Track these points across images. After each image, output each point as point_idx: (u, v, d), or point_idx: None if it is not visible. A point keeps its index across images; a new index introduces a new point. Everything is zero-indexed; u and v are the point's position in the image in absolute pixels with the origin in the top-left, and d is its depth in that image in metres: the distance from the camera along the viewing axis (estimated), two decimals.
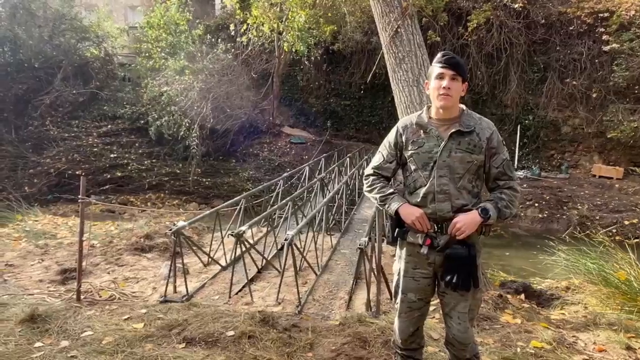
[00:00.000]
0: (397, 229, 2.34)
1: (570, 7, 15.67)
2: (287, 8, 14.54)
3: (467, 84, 2.32)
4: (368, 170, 2.49)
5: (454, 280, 2.17)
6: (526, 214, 12.99)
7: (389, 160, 2.42)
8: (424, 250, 2.26)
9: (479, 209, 2.19)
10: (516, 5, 15.61)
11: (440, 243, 2.23)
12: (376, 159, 2.47)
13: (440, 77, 2.21)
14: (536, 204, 13.20)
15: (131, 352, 3.10)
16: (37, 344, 3.23)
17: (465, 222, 2.17)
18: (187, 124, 14.75)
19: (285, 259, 4.60)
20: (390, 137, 2.42)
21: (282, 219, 7.55)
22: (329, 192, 8.54)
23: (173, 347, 3.22)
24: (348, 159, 12.58)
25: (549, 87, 16.06)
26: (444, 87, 2.19)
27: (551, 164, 16.20)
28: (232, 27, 16.30)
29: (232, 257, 5.63)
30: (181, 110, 14.79)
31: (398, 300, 2.40)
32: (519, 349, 3.33)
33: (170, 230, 4.75)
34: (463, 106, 2.32)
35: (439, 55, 2.27)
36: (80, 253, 4.36)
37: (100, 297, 4.53)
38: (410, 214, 2.25)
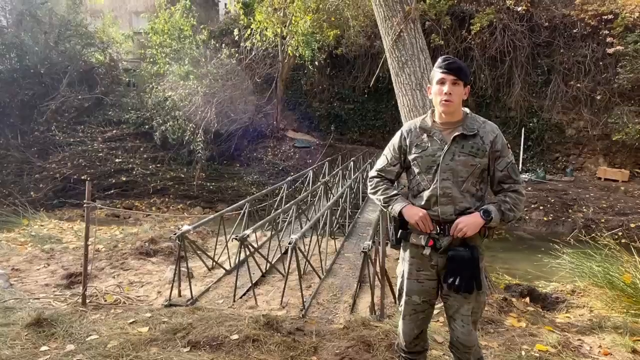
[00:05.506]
0: (400, 231, 2.35)
1: (574, 9, 15.67)
2: (291, 13, 14.59)
3: (470, 87, 2.32)
4: (372, 172, 2.51)
5: (456, 283, 2.18)
6: (531, 217, 12.94)
7: (392, 163, 2.43)
8: (427, 251, 2.26)
9: (481, 211, 2.20)
10: (519, 9, 15.63)
11: (442, 244, 2.24)
12: (380, 162, 2.48)
13: (442, 82, 2.22)
14: (541, 207, 13.15)
15: (136, 356, 3.11)
16: (43, 348, 3.25)
17: (467, 223, 2.18)
18: (191, 129, 14.83)
19: (290, 263, 4.60)
20: (395, 140, 2.44)
21: (286, 223, 7.55)
22: (333, 196, 8.54)
23: (178, 350, 3.24)
24: (352, 162, 12.57)
25: (553, 89, 16.04)
26: (445, 93, 2.20)
27: (556, 167, 16.16)
28: (236, 32, 16.38)
29: (237, 261, 5.66)
30: (185, 115, 14.87)
31: (402, 302, 2.41)
32: (523, 353, 3.32)
33: (175, 234, 4.77)
34: (467, 110, 2.33)
35: (439, 60, 2.28)
36: (85, 257, 4.38)
37: (106, 301, 4.55)
38: (414, 214, 2.26)
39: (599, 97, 15.21)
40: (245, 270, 5.01)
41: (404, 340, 2.43)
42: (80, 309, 4.15)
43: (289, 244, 4.43)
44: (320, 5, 14.87)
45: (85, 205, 4.40)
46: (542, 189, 14.15)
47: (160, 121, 15.31)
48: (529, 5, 15.73)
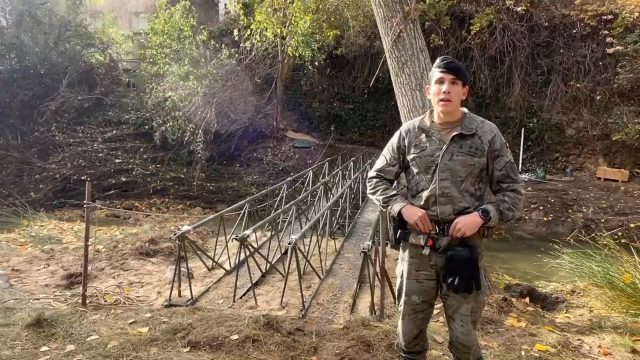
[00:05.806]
0: (399, 231, 2.36)
1: (574, 9, 15.68)
2: (291, 13, 14.60)
3: (468, 88, 2.33)
4: (371, 172, 2.51)
5: (455, 282, 2.18)
6: (531, 217, 12.94)
7: (391, 164, 2.44)
8: (426, 251, 2.27)
9: (480, 211, 2.20)
10: (519, 9, 15.64)
11: (441, 244, 2.24)
12: (379, 162, 2.49)
13: (440, 81, 2.23)
14: (541, 207, 13.15)
15: (136, 356, 3.11)
16: (43, 348, 3.25)
17: (466, 223, 2.18)
18: (191, 129, 14.84)
19: (289, 263, 4.61)
20: (394, 140, 2.44)
21: (286, 223, 7.56)
22: (333, 196, 8.55)
23: (178, 350, 3.24)
24: (352, 162, 12.58)
25: (552, 89, 16.05)
26: (444, 92, 2.20)
27: (556, 167, 16.16)
28: (235, 32, 16.40)
29: (237, 261, 5.66)
30: (185, 116, 14.88)
31: (401, 302, 2.41)
32: (523, 353, 3.32)
33: (175, 234, 4.77)
34: (465, 109, 2.34)
35: (438, 60, 2.29)
36: (85, 258, 4.39)
37: (106, 301, 4.55)
38: (414, 214, 2.27)
39: (598, 97, 15.21)
40: (245, 271, 5.01)
41: (403, 340, 2.43)
42: (80, 309, 4.16)
43: (289, 244, 4.43)
44: (320, 6, 14.89)
45: (85, 205, 4.40)
46: (542, 189, 14.15)
47: (160, 121, 15.32)
48: (528, 5, 15.73)
